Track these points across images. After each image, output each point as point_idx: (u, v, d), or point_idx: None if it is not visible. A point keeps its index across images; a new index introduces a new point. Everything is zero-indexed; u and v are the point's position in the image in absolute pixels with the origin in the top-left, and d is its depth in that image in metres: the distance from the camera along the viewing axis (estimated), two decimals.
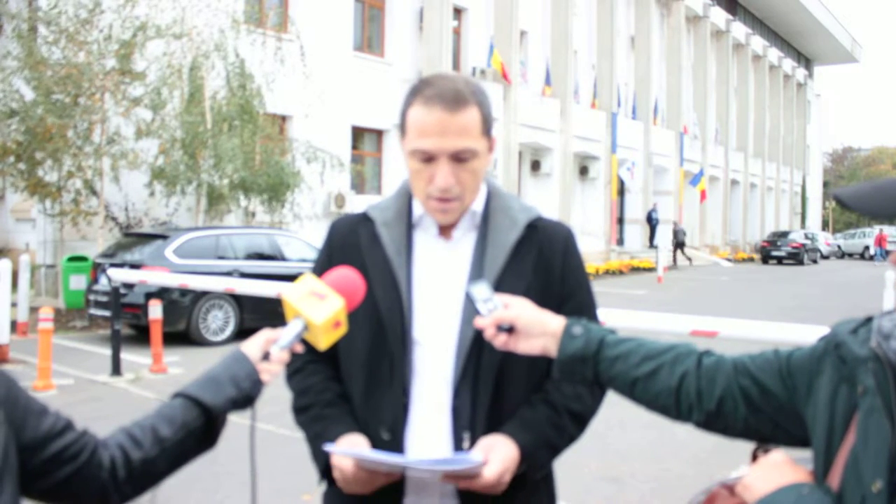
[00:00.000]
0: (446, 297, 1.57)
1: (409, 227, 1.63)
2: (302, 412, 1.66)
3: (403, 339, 1.55)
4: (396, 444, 1.54)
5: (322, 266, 1.67)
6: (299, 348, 1.38)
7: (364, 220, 1.67)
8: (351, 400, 1.63)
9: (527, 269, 1.59)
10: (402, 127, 1.59)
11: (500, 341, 1.41)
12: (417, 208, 1.63)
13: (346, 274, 1.43)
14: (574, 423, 1.59)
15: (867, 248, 42.92)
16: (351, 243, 1.65)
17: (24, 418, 1.12)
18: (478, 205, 1.63)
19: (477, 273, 1.57)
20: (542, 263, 1.61)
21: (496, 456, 1.47)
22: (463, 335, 1.54)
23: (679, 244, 29.51)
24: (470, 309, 1.52)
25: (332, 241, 1.70)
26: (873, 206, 1.12)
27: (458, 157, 1.52)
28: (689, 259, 29.77)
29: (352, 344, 1.60)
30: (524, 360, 1.52)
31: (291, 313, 1.36)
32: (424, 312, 1.57)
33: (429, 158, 1.52)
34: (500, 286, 1.52)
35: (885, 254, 37.88)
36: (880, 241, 39.95)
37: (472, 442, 1.52)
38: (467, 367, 1.53)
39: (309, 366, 1.67)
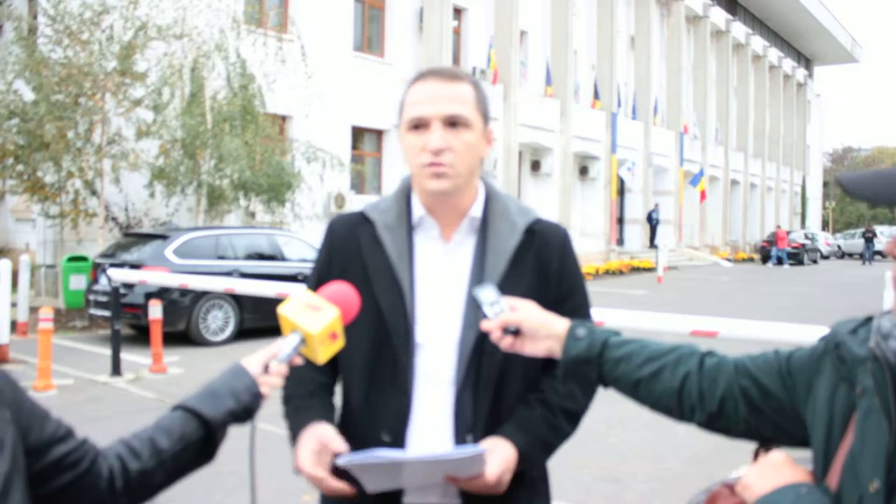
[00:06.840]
0: (448, 301, 1.58)
1: (409, 229, 1.63)
2: (284, 403, 1.68)
3: (407, 343, 1.56)
4: (397, 447, 1.55)
5: (322, 266, 1.67)
6: (298, 361, 1.38)
7: (363, 221, 1.66)
8: (350, 403, 1.64)
9: (526, 274, 1.60)
10: (401, 112, 1.61)
11: (506, 343, 1.43)
12: (417, 210, 1.64)
13: (340, 288, 1.44)
14: (568, 421, 1.63)
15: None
16: (352, 245, 1.64)
17: (29, 421, 1.11)
18: (476, 209, 1.63)
19: (478, 278, 1.58)
20: (540, 267, 1.63)
21: (495, 457, 1.50)
22: (465, 338, 1.55)
23: None
24: (471, 312, 1.54)
25: (331, 242, 1.69)
26: (873, 192, 1.12)
27: (451, 122, 1.54)
28: None
29: (353, 347, 1.60)
30: (521, 361, 1.54)
31: (288, 327, 1.37)
32: (427, 316, 1.57)
33: (422, 125, 1.54)
34: (501, 291, 1.53)
35: (787, 256, 33.07)
36: (779, 240, 33.46)
37: (476, 443, 1.54)
38: (469, 369, 1.55)
39: None
